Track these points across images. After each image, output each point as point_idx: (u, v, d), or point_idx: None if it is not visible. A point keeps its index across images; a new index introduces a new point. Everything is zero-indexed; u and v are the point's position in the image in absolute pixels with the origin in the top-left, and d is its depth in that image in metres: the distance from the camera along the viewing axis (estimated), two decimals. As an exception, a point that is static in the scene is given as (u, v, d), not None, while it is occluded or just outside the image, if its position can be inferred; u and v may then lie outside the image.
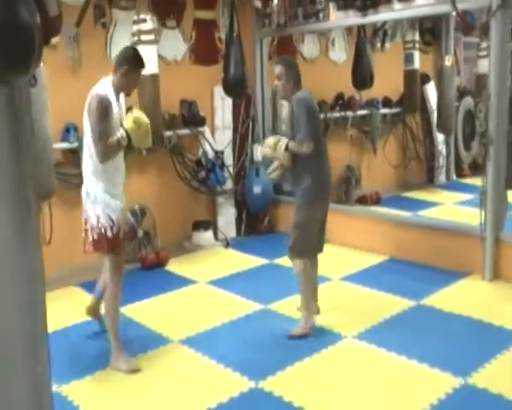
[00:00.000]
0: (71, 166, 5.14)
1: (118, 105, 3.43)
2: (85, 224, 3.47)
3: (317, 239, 3.94)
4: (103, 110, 3.28)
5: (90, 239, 3.45)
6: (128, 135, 3.36)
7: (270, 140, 3.91)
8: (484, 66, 6.22)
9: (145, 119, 3.47)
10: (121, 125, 3.40)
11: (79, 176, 5.14)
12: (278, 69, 3.81)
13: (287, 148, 3.74)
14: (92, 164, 3.40)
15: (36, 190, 1.79)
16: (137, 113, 3.48)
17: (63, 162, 5.12)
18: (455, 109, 7.42)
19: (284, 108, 6.73)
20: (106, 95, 3.33)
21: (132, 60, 3.44)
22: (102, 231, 3.40)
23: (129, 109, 3.57)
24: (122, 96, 3.53)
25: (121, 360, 3.50)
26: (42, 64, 3.38)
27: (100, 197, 3.39)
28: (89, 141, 3.37)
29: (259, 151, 4.25)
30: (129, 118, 3.42)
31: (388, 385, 3.26)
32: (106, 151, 3.31)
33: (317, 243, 3.96)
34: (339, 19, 5.66)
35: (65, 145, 5.10)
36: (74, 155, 5.18)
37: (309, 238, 3.87)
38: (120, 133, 3.35)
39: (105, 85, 3.38)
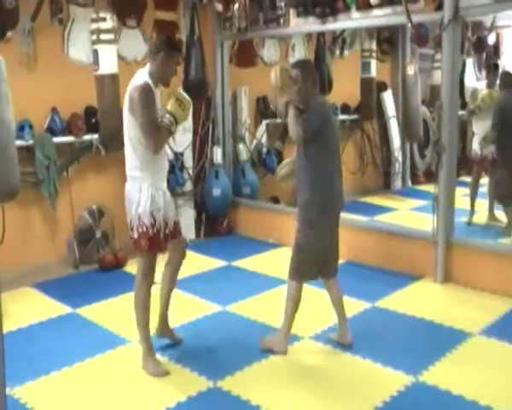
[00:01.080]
0: (25, 165, 5.03)
1: (157, 95, 3.34)
2: (130, 223, 3.38)
3: (320, 260, 3.66)
4: (148, 99, 3.20)
5: (133, 238, 3.36)
6: (174, 118, 3.29)
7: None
8: (437, 76, 6.43)
9: (186, 96, 3.40)
10: (166, 110, 3.32)
11: (34, 175, 5.13)
12: (294, 73, 3.58)
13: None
14: (138, 159, 3.30)
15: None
16: (179, 93, 3.41)
17: (18, 160, 5.02)
18: (420, 117, 7.59)
19: (244, 111, 6.82)
20: (146, 82, 3.23)
21: (167, 45, 3.35)
22: (144, 229, 3.30)
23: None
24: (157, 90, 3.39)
25: (150, 363, 3.44)
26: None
27: (144, 194, 3.30)
28: (132, 136, 3.28)
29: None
30: (171, 100, 3.33)
31: (343, 383, 3.34)
32: (160, 140, 3.26)
33: (320, 264, 3.67)
34: (299, 25, 5.73)
35: (19, 142, 4.96)
36: (29, 153, 5.11)
37: (312, 259, 3.62)
38: (168, 119, 3.27)
39: (142, 76, 3.29)
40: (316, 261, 3.66)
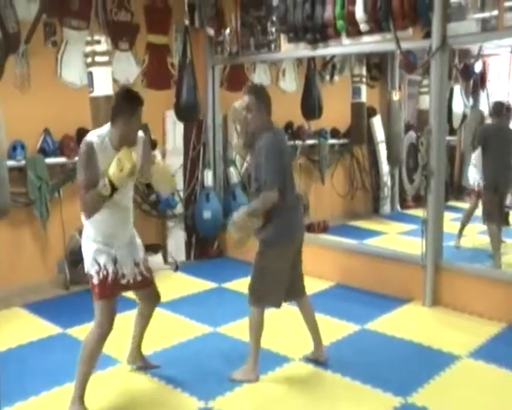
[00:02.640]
0: (17, 185, 5.08)
1: (112, 156, 2.99)
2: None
3: (283, 286, 3.56)
4: (86, 159, 2.99)
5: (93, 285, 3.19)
6: (111, 183, 2.94)
7: (240, 230, 3.40)
8: (425, 102, 6.54)
9: (128, 161, 2.94)
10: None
11: (25, 195, 5.14)
12: (247, 99, 3.41)
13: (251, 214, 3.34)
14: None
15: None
16: (122, 154, 2.97)
17: (9, 181, 5.00)
18: (402, 142, 7.71)
19: (235, 134, 6.88)
20: (92, 142, 3.01)
21: (128, 104, 3.06)
22: (92, 277, 3.17)
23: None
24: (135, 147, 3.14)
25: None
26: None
27: (91, 240, 3.18)
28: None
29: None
30: (114, 161, 2.97)
31: (333, 405, 3.35)
32: (87, 204, 3.03)
33: (283, 290, 3.58)
34: (289, 50, 5.82)
35: (11, 163, 4.99)
36: (21, 174, 5.13)
37: (271, 284, 3.51)
38: (103, 182, 2.95)
39: (97, 133, 3.09)
40: (281, 286, 3.54)
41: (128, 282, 3.32)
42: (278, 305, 3.64)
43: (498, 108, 5.98)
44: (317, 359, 3.82)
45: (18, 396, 3.38)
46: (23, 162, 5.07)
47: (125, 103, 3.07)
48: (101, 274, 3.16)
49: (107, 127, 3.12)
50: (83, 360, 3.20)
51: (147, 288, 3.47)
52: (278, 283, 3.55)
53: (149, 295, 3.53)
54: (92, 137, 3.06)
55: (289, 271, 3.57)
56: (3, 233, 4.97)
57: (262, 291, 3.53)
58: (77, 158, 3.08)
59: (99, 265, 3.17)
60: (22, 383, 3.55)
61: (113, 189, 2.96)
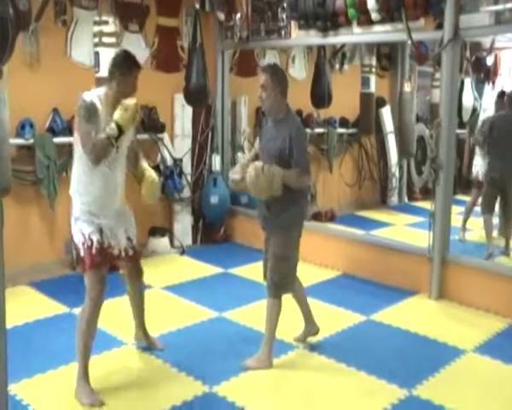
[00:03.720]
0: (25, 164, 5.07)
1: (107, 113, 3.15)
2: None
3: (296, 267, 3.72)
4: (85, 113, 3.08)
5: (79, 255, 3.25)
6: (118, 125, 3.07)
7: (259, 178, 3.30)
8: (437, 95, 6.50)
9: (131, 103, 3.17)
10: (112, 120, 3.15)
11: (33, 173, 5.13)
12: (264, 77, 3.42)
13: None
14: (76, 176, 3.23)
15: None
16: (125, 101, 3.17)
17: (17, 159, 5.01)
18: (415, 134, 7.66)
19: (243, 120, 6.85)
20: (92, 100, 3.10)
21: (124, 64, 3.21)
22: (79, 247, 3.21)
23: None
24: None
25: (82, 391, 3.19)
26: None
27: (77, 211, 3.22)
28: (76, 153, 3.19)
29: (232, 181, 3.68)
30: (117, 109, 3.13)
31: (338, 394, 3.35)
32: (96, 149, 3.06)
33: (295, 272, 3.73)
34: (300, 37, 5.78)
35: (20, 141, 4.99)
36: (29, 152, 5.11)
37: (293, 270, 3.65)
38: (109, 127, 3.07)
39: (94, 94, 3.16)
40: (295, 269, 3.67)
41: (120, 253, 3.37)
42: (293, 290, 3.75)
43: (507, 100, 5.93)
44: (310, 332, 3.92)
45: (24, 373, 3.39)
46: (31, 141, 5.05)
47: (124, 62, 3.22)
48: (85, 245, 3.19)
49: (101, 89, 3.22)
50: (79, 335, 3.25)
51: (135, 262, 3.55)
52: (294, 267, 3.67)
53: (134, 271, 3.60)
54: (91, 96, 3.13)
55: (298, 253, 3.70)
56: (11, 212, 4.94)
57: (283, 280, 3.58)
58: (76, 114, 3.14)
59: (83, 235, 3.20)
60: (28, 361, 3.56)
61: (120, 132, 3.08)
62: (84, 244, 3.19)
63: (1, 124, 3.54)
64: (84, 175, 3.22)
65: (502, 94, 6.46)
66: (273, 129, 3.55)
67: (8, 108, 4.38)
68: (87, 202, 3.22)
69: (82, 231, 3.21)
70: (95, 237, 3.21)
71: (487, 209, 5.79)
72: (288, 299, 3.74)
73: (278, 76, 3.50)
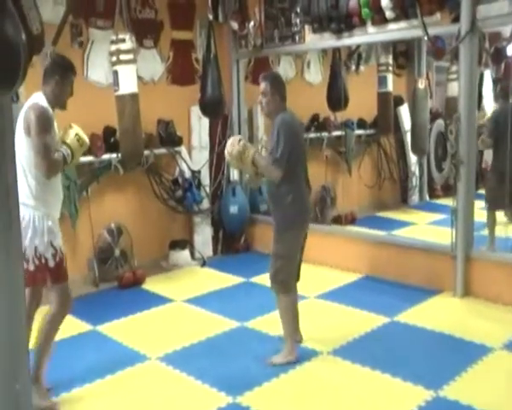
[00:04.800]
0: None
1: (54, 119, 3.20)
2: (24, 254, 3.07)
3: (297, 268, 3.85)
4: (46, 122, 3.06)
5: (29, 271, 3.08)
6: (72, 151, 3.20)
7: (234, 147, 3.59)
8: (453, 89, 6.40)
9: (86, 138, 3.33)
10: (62, 141, 3.21)
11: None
12: (263, 85, 3.66)
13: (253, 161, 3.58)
14: (29, 186, 3.10)
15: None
16: (79, 130, 3.30)
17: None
18: (428, 131, 7.58)
19: (260, 128, 6.86)
20: (44, 106, 3.10)
21: (62, 67, 3.27)
22: (43, 261, 3.12)
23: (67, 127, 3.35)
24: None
25: (37, 396, 3.13)
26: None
27: (39, 224, 3.12)
28: (23, 160, 3.06)
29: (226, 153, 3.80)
30: (70, 134, 3.24)
31: (363, 399, 3.31)
32: (52, 166, 3.08)
33: (296, 272, 3.86)
34: (314, 41, 5.77)
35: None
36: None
37: (291, 268, 3.75)
38: (65, 149, 3.17)
39: (38, 98, 3.14)
40: (296, 266, 3.81)
41: None
42: (295, 288, 3.85)
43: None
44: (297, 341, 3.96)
45: (50, 392, 3.41)
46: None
47: (58, 67, 3.27)
48: (57, 257, 3.18)
49: (39, 95, 3.17)
50: (45, 348, 3.26)
51: None
52: (293, 266, 3.78)
53: None
54: (41, 101, 3.13)
55: (298, 253, 3.81)
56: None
57: (284, 276, 3.70)
58: (33, 122, 3.06)
59: (54, 248, 3.17)
60: (53, 380, 3.59)
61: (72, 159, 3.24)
62: (55, 257, 3.15)
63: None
64: (40, 182, 3.12)
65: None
66: (271, 129, 3.74)
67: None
68: (51, 206, 3.21)
69: (53, 243, 3.16)
70: (63, 250, 3.25)
71: (494, 205, 5.64)
72: (311, 306, 3.73)
73: (277, 83, 3.73)
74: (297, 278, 3.89)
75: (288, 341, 3.74)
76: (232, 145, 3.61)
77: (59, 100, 3.23)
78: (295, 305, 3.85)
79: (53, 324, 3.30)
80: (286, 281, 3.72)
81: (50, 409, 3.24)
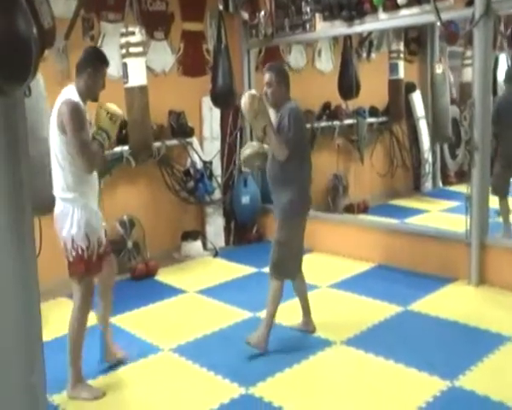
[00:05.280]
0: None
1: (86, 112, 3.24)
2: (64, 246, 3.26)
3: (299, 257, 3.89)
4: (80, 118, 3.10)
5: (69, 262, 3.25)
6: (107, 133, 3.21)
7: (253, 103, 3.59)
8: (468, 74, 6.30)
9: (117, 110, 3.31)
10: (97, 126, 3.22)
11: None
12: (268, 76, 3.70)
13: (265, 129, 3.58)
14: (69, 179, 3.17)
15: (33, 203, 1.80)
16: (108, 106, 3.27)
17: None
18: (449, 118, 7.48)
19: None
20: (77, 101, 3.13)
21: (95, 59, 3.29)
22: (79, 252, 3.21)
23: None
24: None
25: (80, 388, 3.33)
26: (39, 73, 3.37)
27: (77, 216, 3.19)
28: (59, 155, 3.15)
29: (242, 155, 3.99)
30: (102, 114, 3.22)
31: (377, 389, 3.30)
32: (93, 160, 3.14)
33: (299, 261, 3.90)
34: (325, 29, 5.73)
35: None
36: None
37: (293, 256, 3.79)
38: (100, 135, 3.18)
39: (71, 93, 3.17)
40: (299, 255, 3.85)
41: (104, 250, 3.40)
42: (295, 276, 3.89)
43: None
44: (306, 329, 4.02)
45: (65, 384, 3.43)
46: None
47: (91, 59, 3.29)
48: (89, 251, 3.24)
49: (71, 88, 3.20)
50: (74, 341, 3.34)
51: (110, 254, 3.57)
52: (297, 254, 3.83)
53: (111, 261, 3.61)
54: (73, 96, 3.15)
55: (302, 242, 3.83)
56: (49, 226, 5.05)
57: (283, 263, 3.74)
58: (67, 119, 3.08)
59: (89, 241, 3.23)
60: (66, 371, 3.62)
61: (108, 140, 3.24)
62: (87, 250, 3.24)
63: (39, 143, 3.56)
64: (78, 175, 3.18)
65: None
66: (275, 117, 3.76)
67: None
68: (87, 195, 3.26)
69: (88, 237, 3.23)
70: (97, 247, 3.30)
71: (499, 191, 5.54)
72: (323, 296, 3.71)
73: (281, 73, 3.79)
74: (300, 266, 3.92)
75: (265, 328, 3.76)
76: (251, 103, 3.58)
77: (91, 92, 3.25)
78: (302, 291, 3.97)
79: (75, 320, 3.34)
80: (283, 268, 3.75)
81: (96, 398, 3.31)
